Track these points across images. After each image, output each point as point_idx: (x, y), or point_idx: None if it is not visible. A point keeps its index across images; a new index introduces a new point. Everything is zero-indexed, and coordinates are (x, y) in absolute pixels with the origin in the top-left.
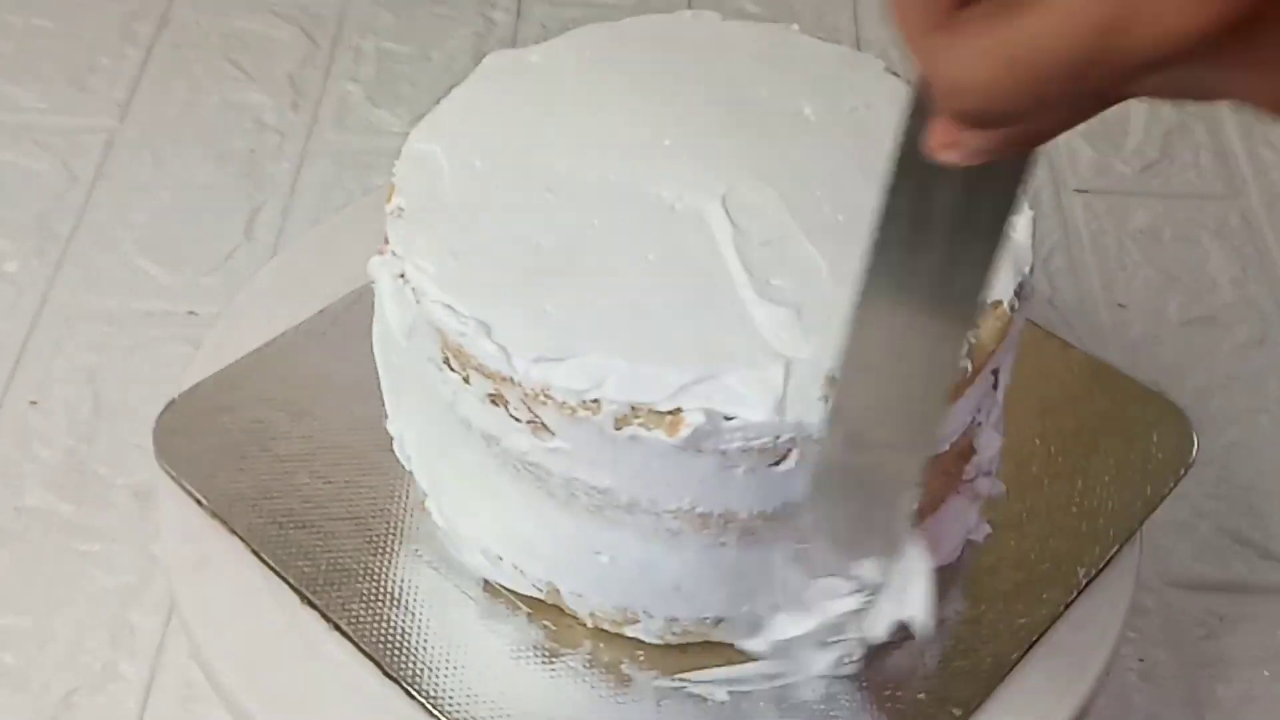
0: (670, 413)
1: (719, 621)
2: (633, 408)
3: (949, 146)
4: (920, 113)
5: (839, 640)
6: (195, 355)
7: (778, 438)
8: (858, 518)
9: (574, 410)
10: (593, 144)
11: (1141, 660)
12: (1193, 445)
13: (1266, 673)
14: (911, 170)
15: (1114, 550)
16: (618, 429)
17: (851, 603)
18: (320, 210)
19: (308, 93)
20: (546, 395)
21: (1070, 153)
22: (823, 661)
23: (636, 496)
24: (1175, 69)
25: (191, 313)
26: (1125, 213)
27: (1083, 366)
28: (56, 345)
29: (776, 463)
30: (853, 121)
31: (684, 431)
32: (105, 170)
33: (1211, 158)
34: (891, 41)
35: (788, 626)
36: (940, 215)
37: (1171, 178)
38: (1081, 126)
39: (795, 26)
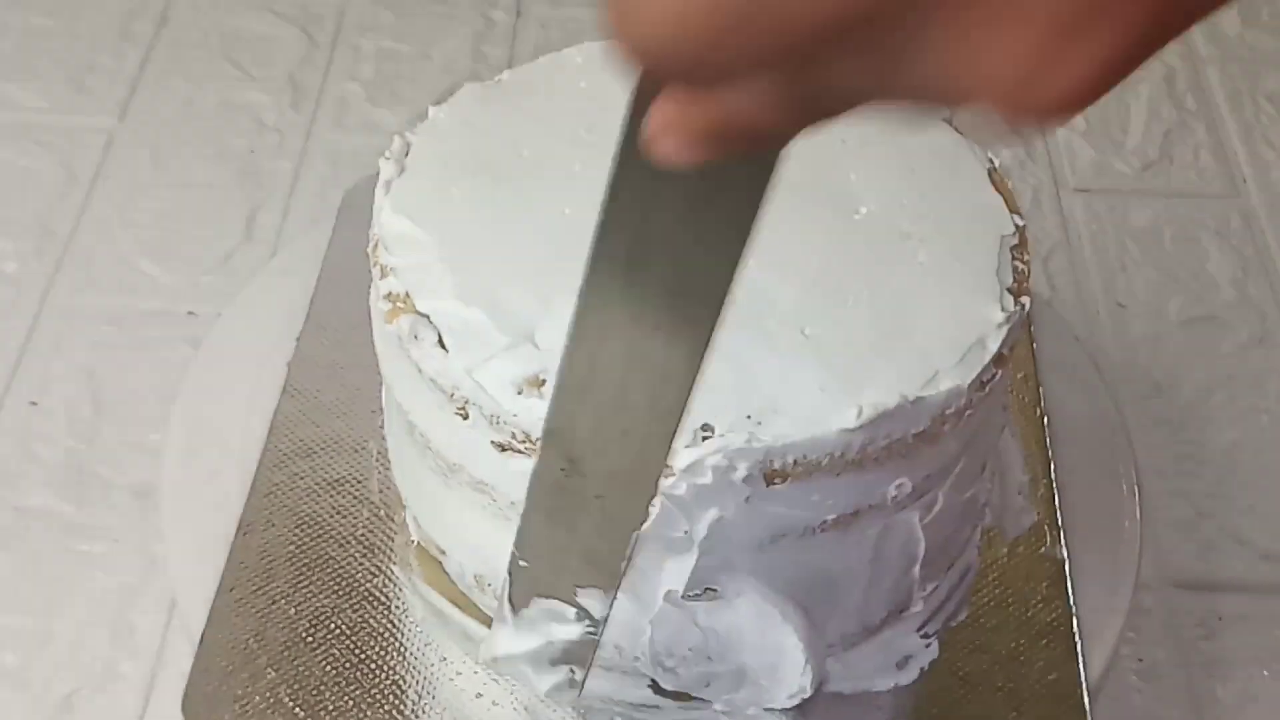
0: None
1: None
2: None
3: (667, 130)
4: (642, 104)
5: (562, 666)
6: (195, 355)
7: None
8: (578, 544)
9: None
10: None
11: (1141, 660)
12: None
13: (1266, 672)
14: (634, 174)
15: None
16: None
17: (574, 631)
18: (319, 210)
19: (307, 92)
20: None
21: (1070, 152)
22: (546, 683)
23: None
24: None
25: (191, 312)
26: (1125, 212)
27: None
28: (56, 345)
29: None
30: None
31: None
32: (105, 170)
33: (1212, 157)
34: None
35: (506, 641)
36: (667, 229)
37: (1172, 177)
38: (1081, 125)
39: None
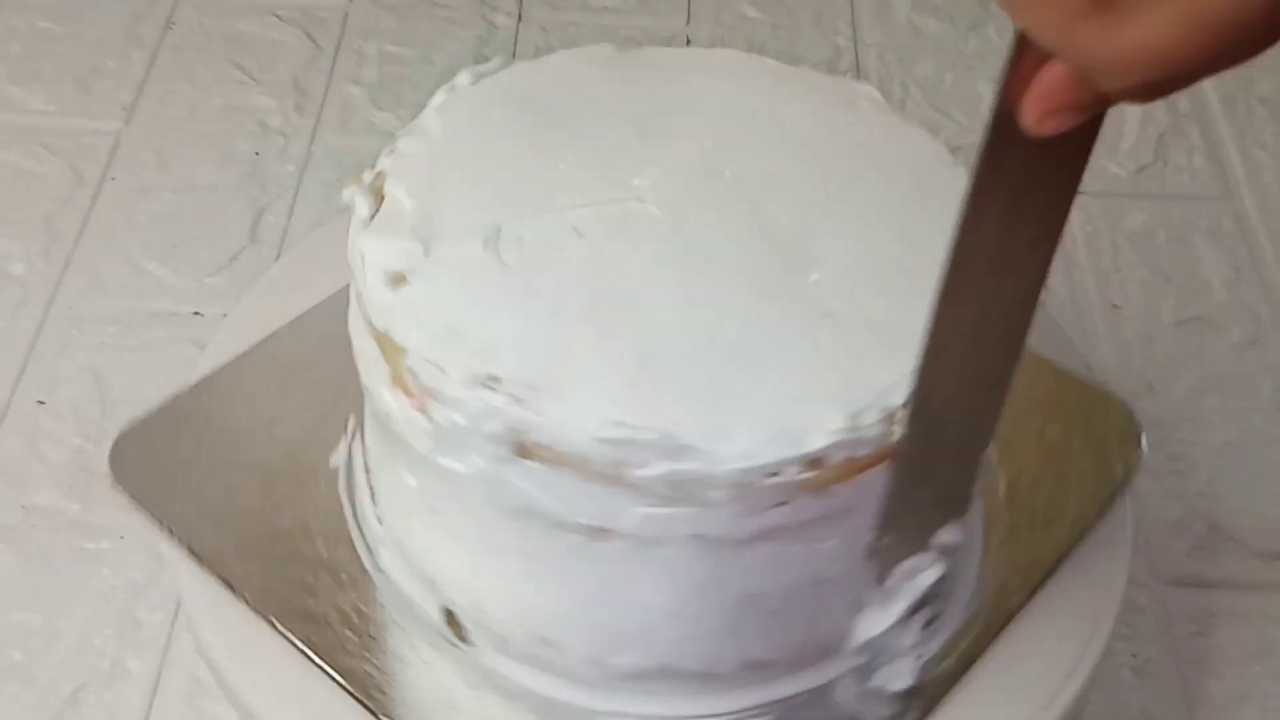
0: None
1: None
2: None
3: (1053, 113)
4: (1005, 97)
5: (924, 609)
6: (200, 355)
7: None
8: (936, 491)
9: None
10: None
11: (1134, 657)
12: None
13: (1259, 669)
14: (1000, 148)
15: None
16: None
17: (935, 573)
18: (324, 211)
19: (311, 95)
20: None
21: None
22: (911, 635)
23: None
24: None
25: (197, 313)
26: (1119, 214)
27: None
28: (63, 346)
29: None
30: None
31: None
32: (111, 172)
33: (1205, 160)
34: (889, 45)
35: (875, 620)
36: (1026, 187)
37: (1165, 180)
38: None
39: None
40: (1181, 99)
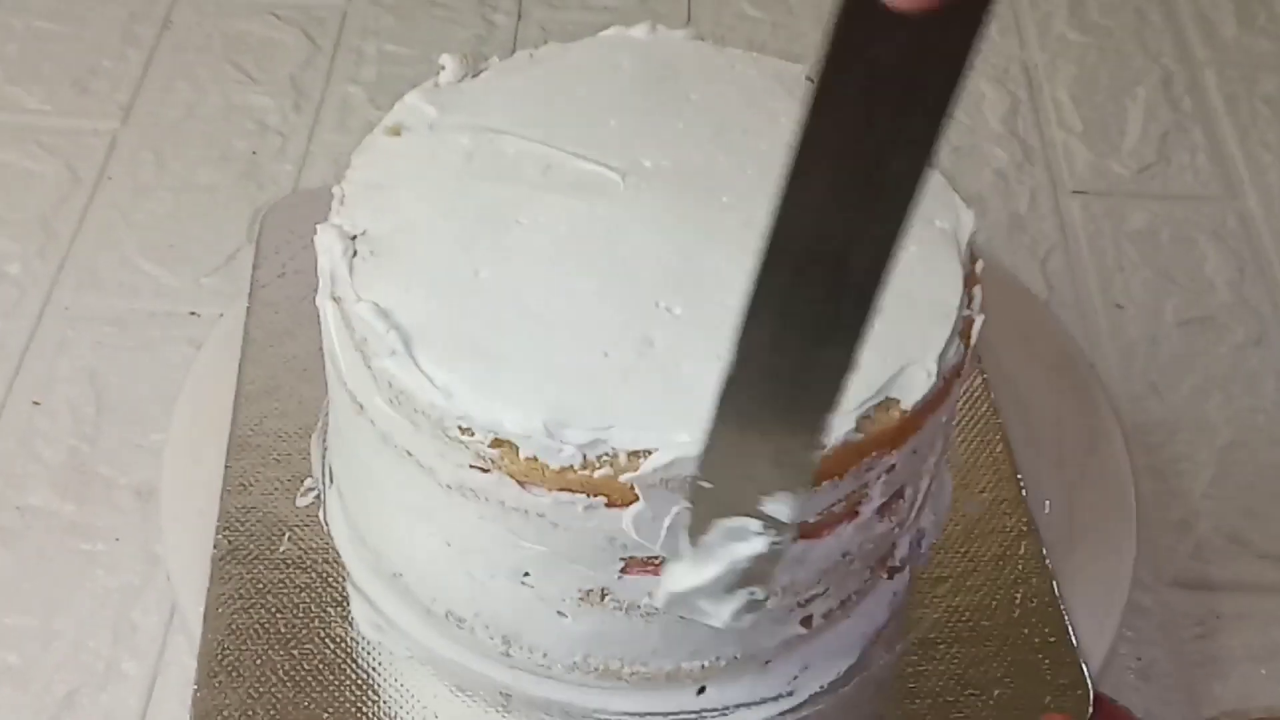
0: None
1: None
2: None
3: None
4: None
5: (741, 591)
6: (197, 356)
7: None
8: (768, 446)
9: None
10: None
11: (1139, 659)
12: None
13: (1264, 671)
14: (858, 29)
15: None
16: None
17: (758, 546)
18: None
19: (309, 94)
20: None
21: (1068, 154)
22: (725, 612)
23: None
24: None
25: (193, 313)
26: (1122, 214)
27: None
28: (59, 346)
29: None
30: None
31: None
32: (108, 172)
33: (1208, 159)
34: None
35: (684, 575)
36: (885, 81)
37: (1169, 179)
38: (1079, 127)
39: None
40: (1185, 99)
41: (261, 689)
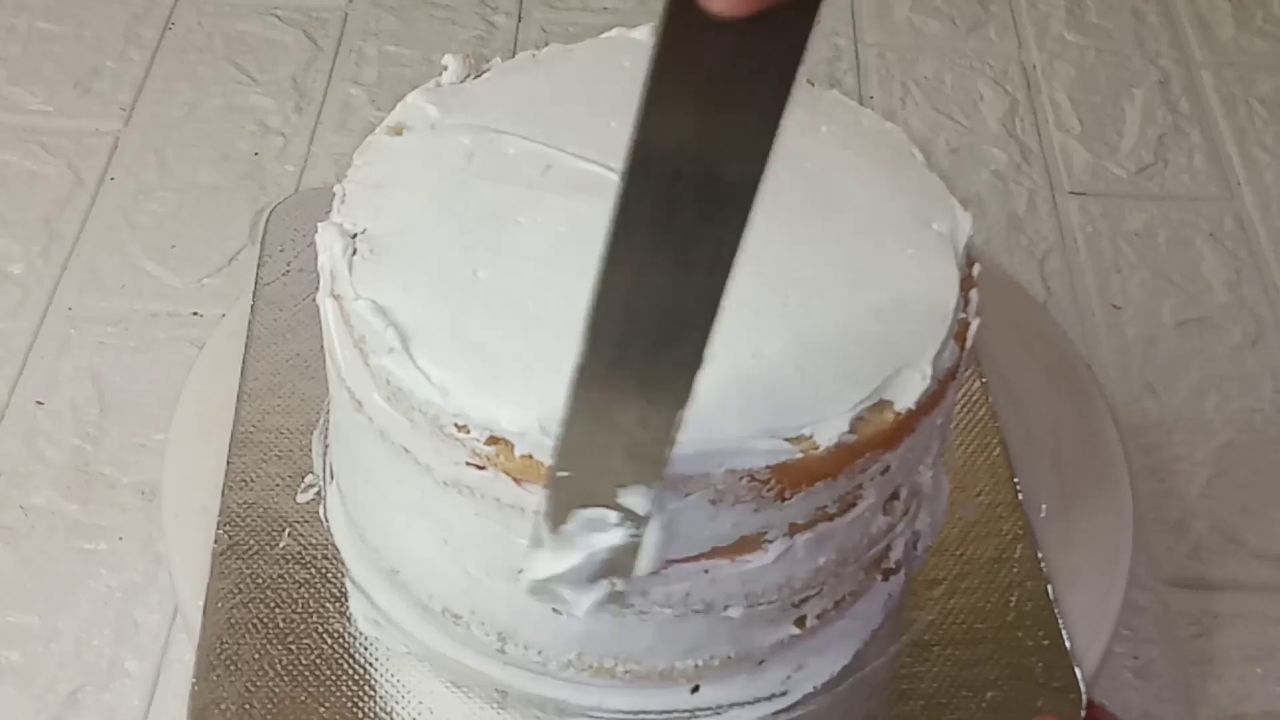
0: None
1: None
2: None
3: None
4: None
5: (602, 581)
6: (199, 356)
7: None
8: (620, 439)
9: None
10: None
11: (1136, 658)
12: None
13: (1260, 670)
14: (680, 34)
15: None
16: None
17: (616, 537)
18: None
19: (311, 95)
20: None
21: (1065, 155)
22: (586, 601)
23: None
24: None
25: (196, 314)
26: (1120, 215)
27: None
28: (62, 346)
29: None
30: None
31: None
32: (110, 172)
33: (1205, 160)
34: (889, 45)
35: (545, 563)
36: (712, 87)
37: (1166, 180)
38: (1076, 128)
39: None
40: (1182, 100)
41: (259, 683)
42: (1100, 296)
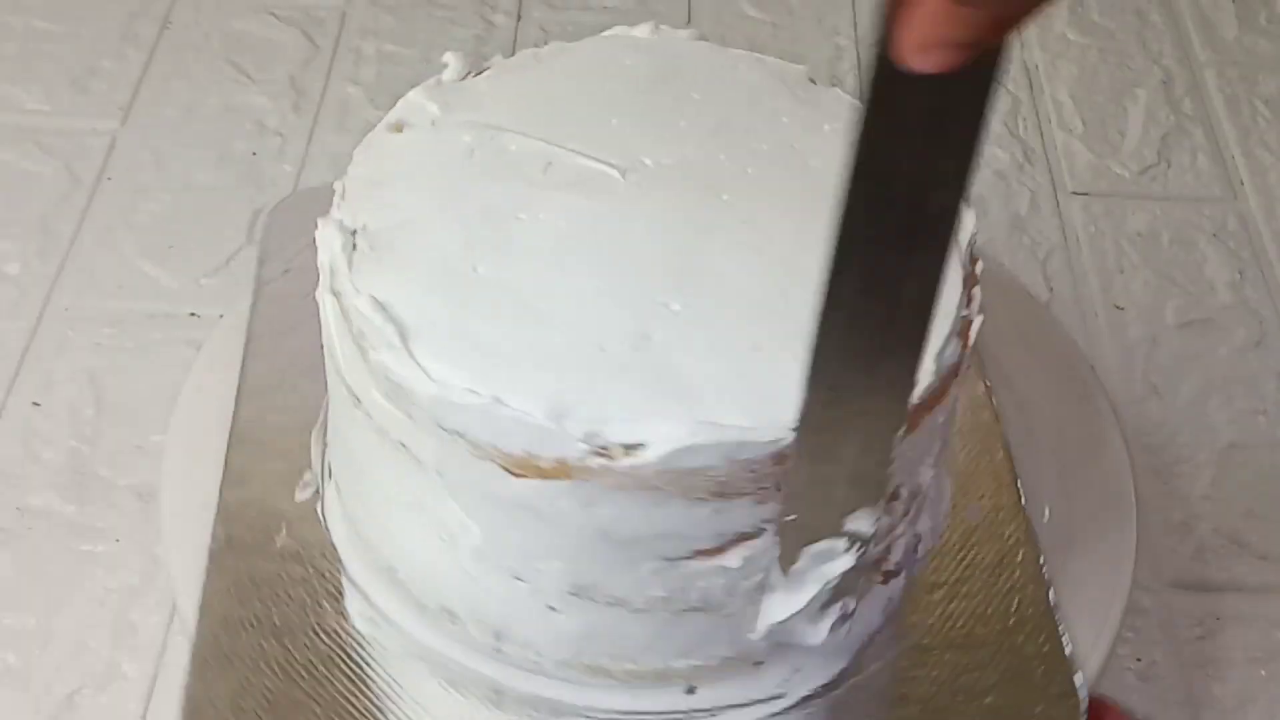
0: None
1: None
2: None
3: (926, 47)
4: (886, 34)
5: (833, 606)
6: (197, 357)
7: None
8: (842, 472)
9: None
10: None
11: (1139, 660)
12: None
13: (1264, 672)
14: (885, 88)
15: None
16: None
17: (847, 562)
18: None
19: (309, 95)
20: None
21: (1068, 156)
22: (822, 632)
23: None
24: None
25: (193, 314)
26: (1123, 215)
27: None
28: (59, 347)
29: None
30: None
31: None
32: (107, 172)
33: (1209, 161)
34: None
35: (782, 606)
36: (915, 130)
37: (1169, 181)
38: (1079, 128)
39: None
40: (1185, 100)
41: (253, 679)
42: (1103, 297)
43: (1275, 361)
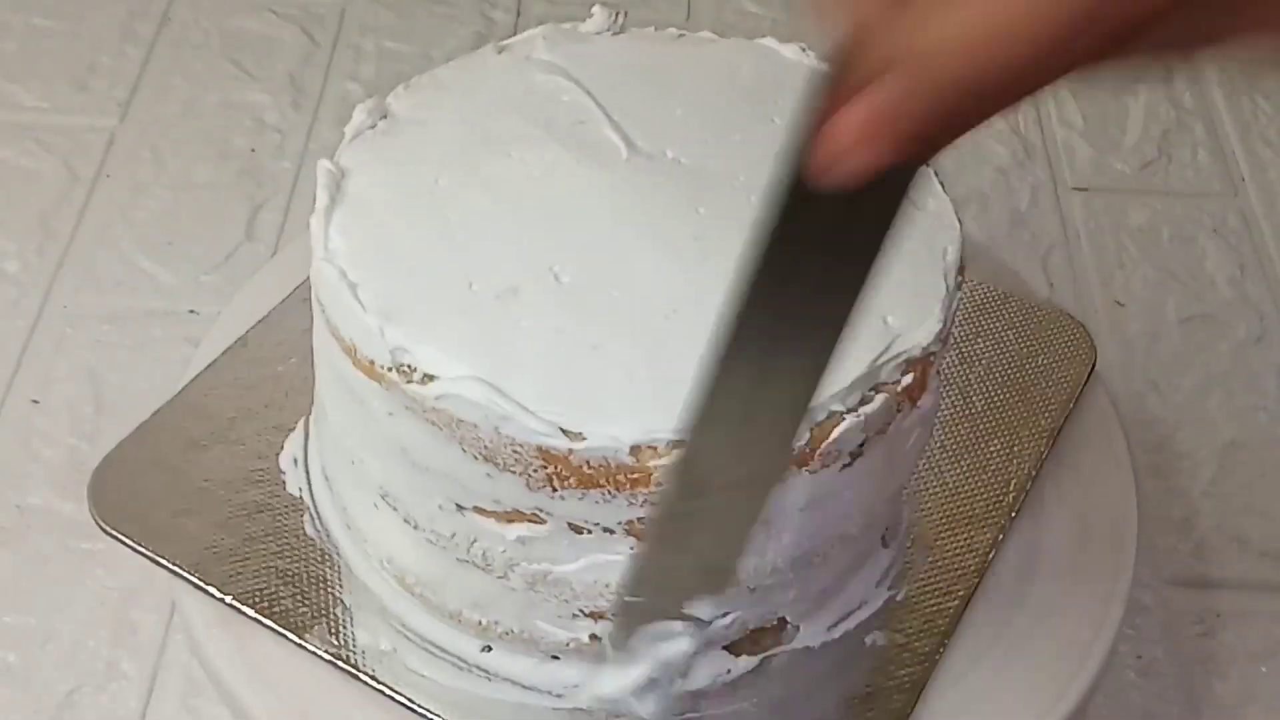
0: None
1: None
2: None
3: (837, 161)
4: (800, 150)
5: (663, 685)
6: (195, 354)
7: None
8: (690, 560)
9: None
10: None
11: (1139, 657)
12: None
13: (1264, 669)
14: (791, 198)
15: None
16: None
17: (682, 645)
18: None
19: (308, 92)
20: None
21: (1069, 151)
22: (651, 706)
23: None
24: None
25: (192, 311)
26: (1123, 211)
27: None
28: (58, 344)
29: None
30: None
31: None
32: (106, 169)
33: (1209, 156)
34: None
35: (611, 681)
36: (814, 247)
37: (1170, 176)
38: (1079, 124)
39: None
40: (1186, 95)
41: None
42: (1103, 293)
43: (1275, 357)
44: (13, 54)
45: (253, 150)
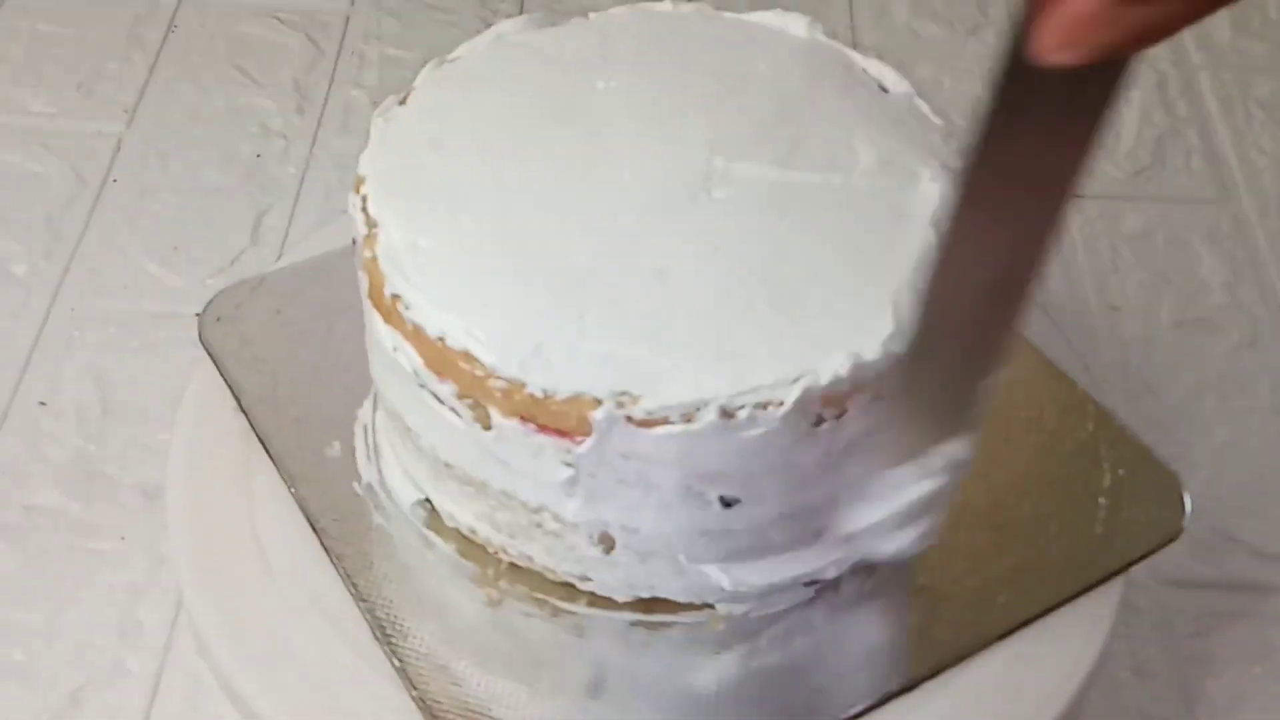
0: None
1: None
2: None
3: (1064, 46)
4: (1024, 23)
5: (918, 520)
6: (201, 356)
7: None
8: (945, 395)
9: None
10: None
11: (1134, 657)
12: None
13: (1258, 670)
14: (1014, 78)
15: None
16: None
17: (939, 481)
18: (325, 214)
19: (313, 98)
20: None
21: None
22: (898, 543)
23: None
24: None
25: (198, 314)
26: (1117, 216)
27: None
28: (65, 347)
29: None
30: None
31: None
32: (113, 174)
33: (1203, 162)
34: (887, 48)
35: (858, 517)
36: (1041, 116)
37: (1164, 182)
38: None
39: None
40: (1179, 102)
41: None
42: (1098, 297)
43: (1269, 361)
44: (20, 60)
45: (258, 155)
